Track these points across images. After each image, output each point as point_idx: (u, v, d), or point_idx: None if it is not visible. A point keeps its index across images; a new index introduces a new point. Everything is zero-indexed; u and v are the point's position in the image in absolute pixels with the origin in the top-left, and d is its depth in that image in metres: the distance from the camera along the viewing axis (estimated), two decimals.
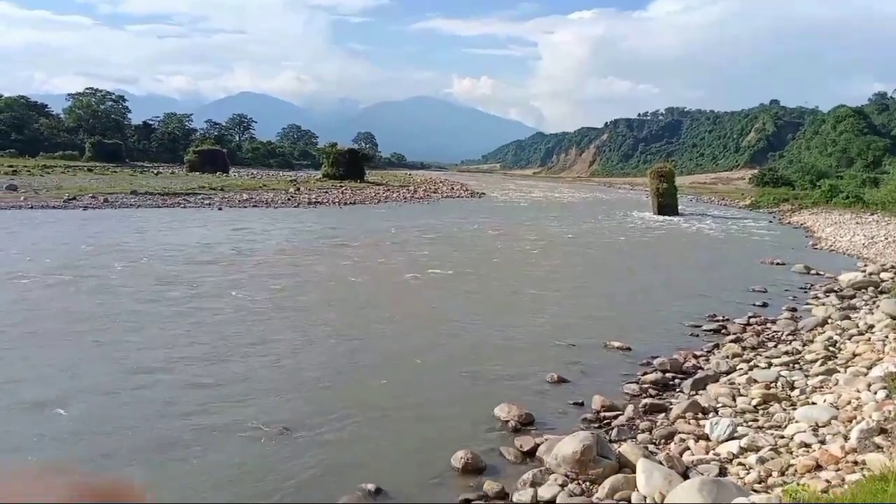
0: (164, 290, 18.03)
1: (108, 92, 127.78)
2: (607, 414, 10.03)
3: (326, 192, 61.83)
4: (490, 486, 7.62)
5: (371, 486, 7.53)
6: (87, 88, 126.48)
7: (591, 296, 20.12)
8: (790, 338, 14.49)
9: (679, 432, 9.11)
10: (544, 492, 7.42)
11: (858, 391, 9.46)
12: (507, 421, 9.54)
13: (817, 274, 23.71)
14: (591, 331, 15.22)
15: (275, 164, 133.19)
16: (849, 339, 13.54)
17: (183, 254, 24.27)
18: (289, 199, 53.70)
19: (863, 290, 19.42)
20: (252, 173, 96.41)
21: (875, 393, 9.14)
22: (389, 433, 9.29)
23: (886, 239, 30.90)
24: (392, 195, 65.49)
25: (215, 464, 8.20)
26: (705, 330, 15.61)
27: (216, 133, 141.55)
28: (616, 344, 13.92)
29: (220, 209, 44.51)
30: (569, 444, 7.94)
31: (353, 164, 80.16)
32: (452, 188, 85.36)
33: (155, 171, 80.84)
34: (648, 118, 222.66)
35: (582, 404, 10.48)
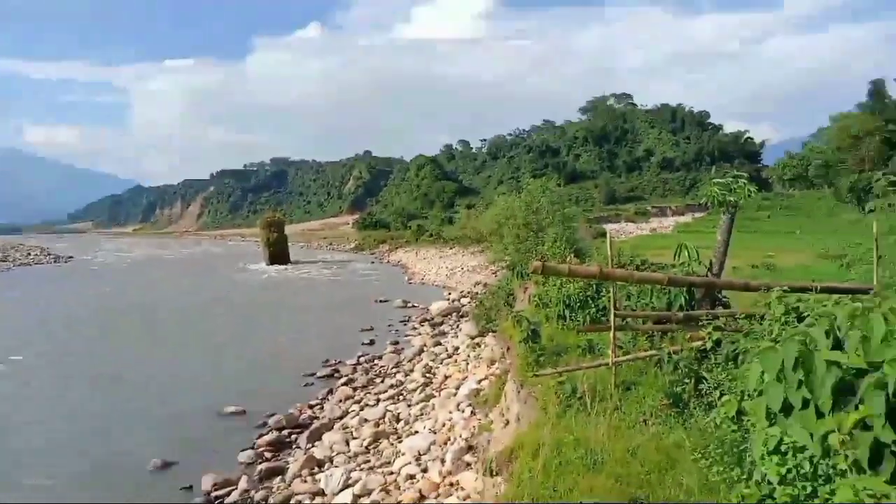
0: None
1: None
2: (219, 493, 9.09)
3: None
4: None
5: None
6: None
7: (204, 358, 18.70)
8: (395, 370, 15.53)
9: (296, 494, 8.71)
10: None
11: (450, 412, 10.42)
12: None
13: (414, 306, 26.35)
14: (204, 397, 13.98)
15: None
16: (441, 363, 15.12)
17: None
18: None
19: (449, 316, 22.20)
20: None
21: (463, 411, 10.17)
22: None
23: (463, 269, 36.30)
24: None
25: None
26: (319, 377, 15.74)
27: None
28: (230, 409, 12.99)
29: None
30: None
31: None
32: (29, 254, 72.39)
33: None
34: (255, 168, 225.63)
35: (191, 488, 9.33)
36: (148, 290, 37.29)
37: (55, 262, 65.14)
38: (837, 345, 2.64)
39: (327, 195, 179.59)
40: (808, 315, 3.26)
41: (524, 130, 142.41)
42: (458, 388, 12.04)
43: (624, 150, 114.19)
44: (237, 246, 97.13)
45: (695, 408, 4.98)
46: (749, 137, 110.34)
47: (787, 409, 2.62)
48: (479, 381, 11.68)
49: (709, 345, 5.35)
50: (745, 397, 2.93)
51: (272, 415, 12.42)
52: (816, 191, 60.79)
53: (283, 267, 50.94)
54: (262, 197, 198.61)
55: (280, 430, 11.65)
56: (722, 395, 3.92)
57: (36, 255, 71.40)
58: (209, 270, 51.40)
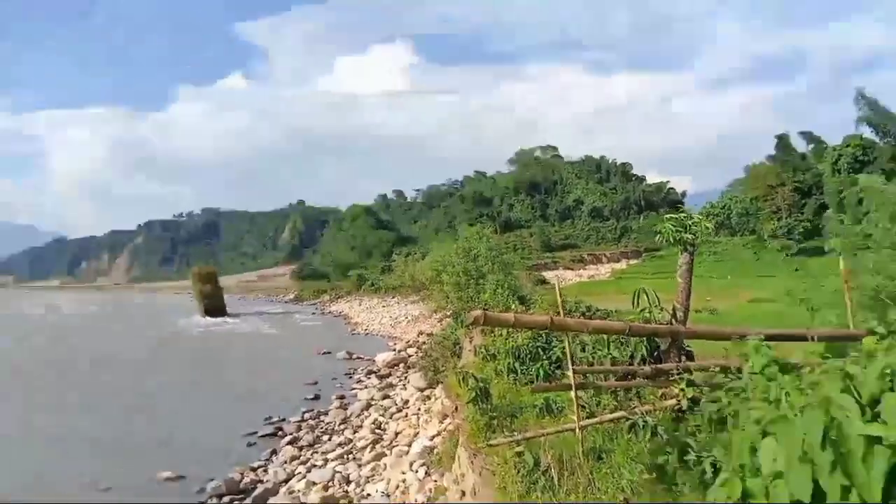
0: None
1: None
2: None
3: None
4: None
5: None
6: None
7: (136, 417, 17.57)
8: (342, 427, 14.97)
9: None
10: None
11: (404, 472, 10.03)
12: None
13: (359, 358, 25.73)
14: (138, 461, 13.10)
15: None
16: (391, 417, 14.67)
17: None
18: None
19: (396, 367, 21.75)
20: None
21: (416, 472, 9.80)
22: None
23: (406, 318, 35.92)
24: None
25: None
26: (262, 436, 15.02)
27: None
28: (166, 474, 12.16)
29: None
30: None
31: None
32: None
33: None
34: (185, 219, 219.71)
35: None
36: (74, 347, 35.16)
37: None
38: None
39: (262, 246, 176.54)
40: (796, 369, 2.99)
41: (457, 181, 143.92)
42: (409, 445, 11.66)
43: (555, 199, 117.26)
44: (169, 299, 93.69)
45: (684, 483, 4.35)
46: (671, 188, 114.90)
47: (818, 496, 2.13)
48: (432, 438, 11.35)
49: (684, 404, 5.04)
50: (747, 473, 2.47)
51: (211, 479, 11.70)
52: (741, 237, 63.71)
53: (219, 320, 49.25)
54: (194, 248, 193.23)
55: (220, 496, 10.95)
56: (714, 467, 3.56)
57: None
58: (140, 325, 49.14)
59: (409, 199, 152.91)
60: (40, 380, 24.88)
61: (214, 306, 52.10)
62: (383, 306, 45.02)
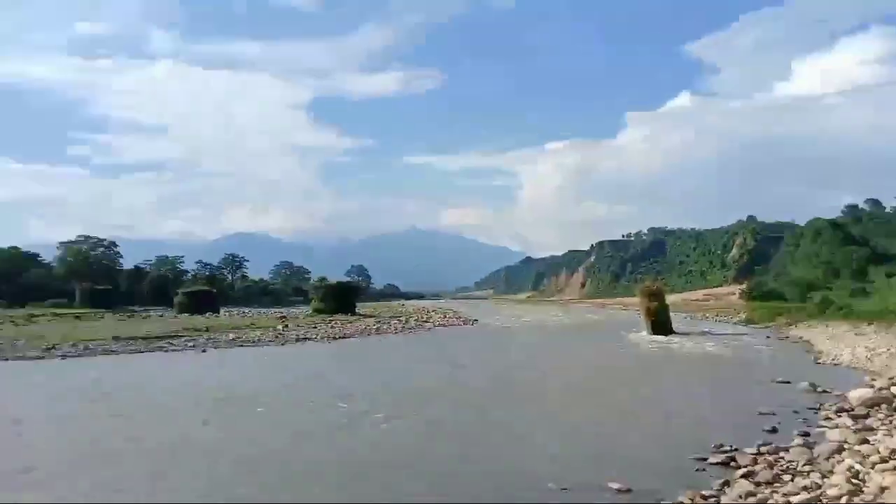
0: None
1: (99, 239, 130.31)
2: None
3: (315, 328, 60.77)
4: None
5: None
6: (78, 236, 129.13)
7: (586, 426, 18.75)
8: (807, 468, 13.12)
9: None
10: None
11: None
12: None
13: (824, 391, 22.46)
14: (588, 468, 13.89)
15: (267, 302, 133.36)
16: (872, 467, 12.25)
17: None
18: (276, 337, 52.52)
19: (876, 408, 18.19)
20: (243, 312, 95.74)
21: None
22: None
23: (889, 350, 29.88)
24: (383, 327, 64.55)
25: None
26: (712, 463, 14.23)
27: (207, 273, 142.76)
28: (615, 486, 12.53)
29: (203, 351, 43.16)
30: None
31: (342, 297, 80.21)
32: (445, 316, 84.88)
33: (144, 315, 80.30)
34: (632, 239, 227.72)
35: None
36: (538, 353, 39.75)
37: (463, 324, 75.10)
38: None
39: (709, 264, 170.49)
40: None
41: None
42: None
43: None
44: (617, 314, 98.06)
45: None
46: None
47: None
48: None
49: None
50: None
51: (661, 499, 11.58)
52: None
53: (664, 337, 49.27)
54: (640, 266, 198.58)
55: None
56: None
57: (449, 317, 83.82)
58: (591, 337, 52.77)
59: (888, 210, 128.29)
60: (499, 380, 28.65)
61: (660, 323, 52.30)
62: (855, 335, 38.37)
